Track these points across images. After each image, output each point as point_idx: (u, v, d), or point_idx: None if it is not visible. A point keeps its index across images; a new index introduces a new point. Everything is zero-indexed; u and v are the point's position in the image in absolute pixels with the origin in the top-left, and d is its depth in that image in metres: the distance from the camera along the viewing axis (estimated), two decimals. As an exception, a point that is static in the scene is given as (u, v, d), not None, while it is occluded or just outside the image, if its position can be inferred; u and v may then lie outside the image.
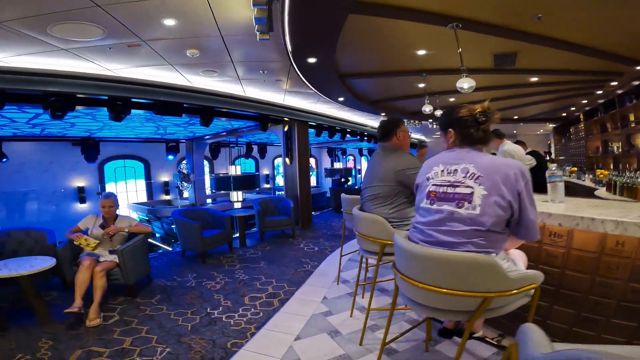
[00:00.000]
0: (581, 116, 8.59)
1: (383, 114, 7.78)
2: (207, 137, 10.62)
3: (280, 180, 18.78)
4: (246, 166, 15.82)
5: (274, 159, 18.15)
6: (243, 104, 5.80)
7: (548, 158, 12.10)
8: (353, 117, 9.11)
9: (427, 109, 5.70)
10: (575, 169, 6.80)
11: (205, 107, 5.48)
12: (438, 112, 5.96)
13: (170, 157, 11.38)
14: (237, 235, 6.64)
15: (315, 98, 6.41)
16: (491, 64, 4.54)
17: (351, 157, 24.98)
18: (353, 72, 4.75)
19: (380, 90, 6.11)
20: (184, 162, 11.88)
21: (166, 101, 5.02)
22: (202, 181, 11.86)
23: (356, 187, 11.38)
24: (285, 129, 7.32)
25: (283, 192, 16.52)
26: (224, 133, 9.75)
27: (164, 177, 15.33)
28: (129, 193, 15.32)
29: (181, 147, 11.87)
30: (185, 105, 5.29)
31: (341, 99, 5.79)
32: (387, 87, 5.91)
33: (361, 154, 23.16)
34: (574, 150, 9.27)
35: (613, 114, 6.55)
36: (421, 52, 4.17)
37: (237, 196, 9.34)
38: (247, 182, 9.33)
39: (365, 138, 11.43)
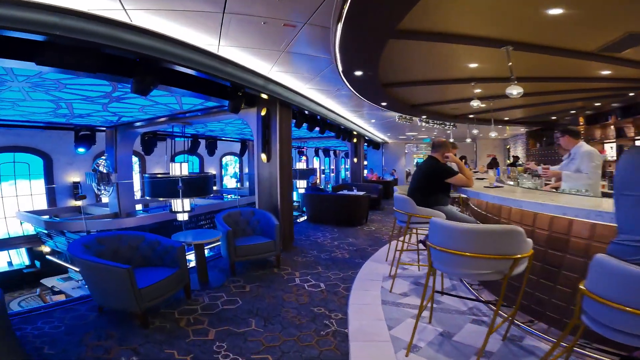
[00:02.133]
0: (581, 120, 8.16)
1: (384, 103, 6.19)
2: (139, 123, 7.85)
3: (228, 182, 16.16)
4: (188, 165, 13.00)
5: (222, 156, 15.49)
6: (210, 65, 3.61)
7: (520, 162, 11.91)
8: (340, 109, 7.37)
9: (474, 104, 4.20)
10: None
11: (144, 58, 3.18)
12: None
13: (81, 149, 8.28)
14: (192, 264, 4.41)
15: (314, 72, 4.49)
16: (595, 46, 3.27)
17: (304, 158, 23.28)
18: (415, 28, 2.98)
19: (402, 68, 4.46)
20: (104, 157, 8.85)
21: (66, 40, 2.64)
22: (129, 184, 8.95)
23: (326, 192, 9.67)
24: (263, 112, 5.24)
25: (232, 196, 14.07)
26: (164, 118, 7.18)
27: (74, 177, 11.82)
28: (20, 198, 11.48)
29: (99, 137, 8.80)
30: (106, 51, 2.93)
31: (359, 73, 3.99)
32: (418, 64, 4.28)
33: (317, 154, 21.57)
34: (561, 155, 8.88)
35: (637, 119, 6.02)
36: (556, 11, 2.63)
37: (183, 206, 6.90)
38: (198, 186, 6.93)
39: (341, 137, 9.76)
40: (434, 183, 3.43)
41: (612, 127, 7.04)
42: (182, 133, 8.22)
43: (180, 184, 5.58)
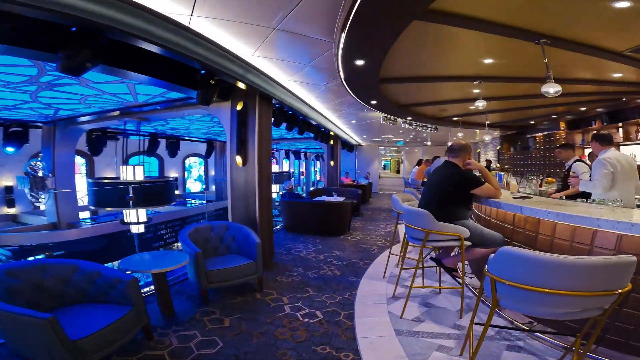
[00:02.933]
0: (562, 124, 8.19)
1: (374, 102, 5.62)
2: (84, 118, 6.62)
3: (192, 186, 14.83)
4: (144, 168, 11.55)
5: (185, 158, 14.17)
6: (178, 42, 2.76)
7: (493, 166, 12.01)
8: (322, 108, 6.70)
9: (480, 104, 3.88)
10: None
11: (84, 26, 2.27)
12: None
13: (10, 149, 6.83)
14: (151, 289, 3.53)
15: (305, 61, 3.78)
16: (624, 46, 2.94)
17: (273, 160, 22.28)
18: (447, 9, 2.39)
19: (405, 61, 3.88)
20: (39, 158, 7.42)
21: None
22: (71, 189, 7.60)
23: (306, 199, 8.96)
24: (239, 107, 4.42)
25: (197, 202, 12.80)
26: (115, 113, 6.06)
27: (6, 181, 10.08)
28: None
29: (34, 135, 7.36)
30: (28, 15, 2.00)
31: (360, 62, 3.34)
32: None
33: (287, 157, 20.71)
34: (537, 160, 8.94)
35: (628, 124, 6.05)
36: (624, 4, 2.15)
37: (138, 216, 5.86)
38: (155, 193, 5.89)
39: (319, 138, 9.10)
40: (456, 194, 2.87)
41: (596, 132, 7.08)
42: (137, 131, 7.08)
43: (131, 192, 4.57)
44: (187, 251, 3.49)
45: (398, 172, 40.93)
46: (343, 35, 2.70)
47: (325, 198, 8.16)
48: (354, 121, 8.79)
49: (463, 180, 2.84)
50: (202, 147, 11.97)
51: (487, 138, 7.41)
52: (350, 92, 4.82)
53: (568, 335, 2.40)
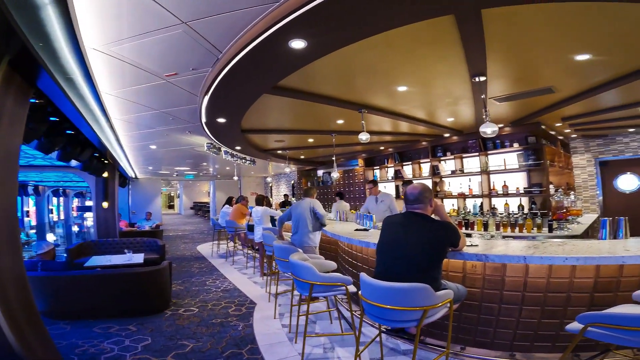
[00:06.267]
0: (360, 162, 9.24)
1: (222, 120, 3.86)
2: None
3: None
4: None
5: None
6: None
7: (292, 200, 12.35)
8: (117, 115, 4.03)
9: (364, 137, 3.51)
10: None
11: None
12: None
13: None
14: None
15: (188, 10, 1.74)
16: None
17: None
18: None
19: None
20: None
21: None
22: None
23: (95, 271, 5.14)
24: None
25: None
26: None
27: None
28: None
29: None
30: None
31: (300, 45, 1.79)
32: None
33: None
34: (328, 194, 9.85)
35: (415, 163, 7.57)
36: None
37: None
38: None
39: (90, 169, 5.76)
40: (440, 253, 2.01)
41: (387, 169, 8.53)
42: None
43: None
44: None
45: (171, 207, 36.41)
46: None
47: (113, 258, 5.10)
48: (154, 146, 6.26)
49: (451, 236, 2.05)
50: None
51: (335, 176, 7.23)
52: (207, 97, 2.97)
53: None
